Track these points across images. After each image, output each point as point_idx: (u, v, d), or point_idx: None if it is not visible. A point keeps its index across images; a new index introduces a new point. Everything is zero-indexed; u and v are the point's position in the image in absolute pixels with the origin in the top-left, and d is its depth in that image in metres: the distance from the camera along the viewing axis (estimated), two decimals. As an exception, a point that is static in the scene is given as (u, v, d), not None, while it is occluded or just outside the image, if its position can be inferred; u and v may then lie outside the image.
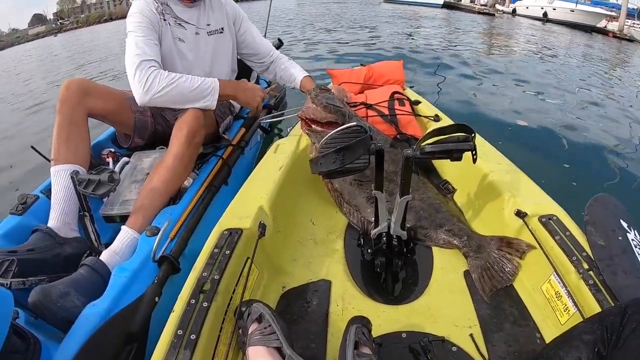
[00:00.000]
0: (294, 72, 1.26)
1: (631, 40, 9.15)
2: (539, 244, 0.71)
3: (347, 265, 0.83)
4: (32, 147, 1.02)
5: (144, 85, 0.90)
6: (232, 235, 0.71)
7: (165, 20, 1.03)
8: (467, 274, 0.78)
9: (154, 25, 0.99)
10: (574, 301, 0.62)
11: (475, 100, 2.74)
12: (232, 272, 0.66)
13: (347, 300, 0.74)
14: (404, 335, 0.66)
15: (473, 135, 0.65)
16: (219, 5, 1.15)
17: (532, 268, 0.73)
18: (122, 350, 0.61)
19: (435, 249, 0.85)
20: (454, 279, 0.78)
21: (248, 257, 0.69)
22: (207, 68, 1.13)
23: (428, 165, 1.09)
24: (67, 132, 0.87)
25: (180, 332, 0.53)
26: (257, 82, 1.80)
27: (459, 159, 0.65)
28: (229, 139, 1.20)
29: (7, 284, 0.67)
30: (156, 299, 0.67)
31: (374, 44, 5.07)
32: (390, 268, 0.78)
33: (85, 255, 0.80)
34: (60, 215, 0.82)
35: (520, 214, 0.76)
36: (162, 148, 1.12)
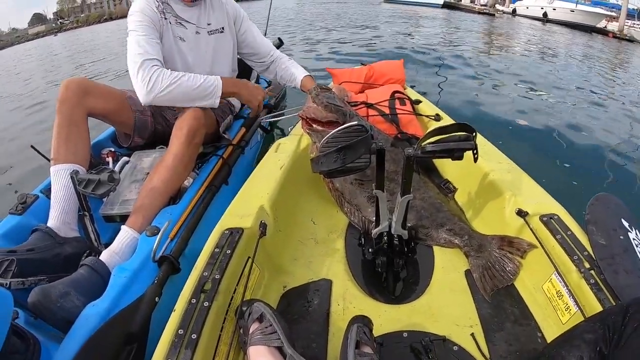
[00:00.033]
0: (295, 72, 1.26)
1: (631, 40, 9.17)
2: (540, 243, 0.70)
3: (348, 264, 0.82)
4: (32, 146, 1.02)
5: (147, 84, 0.90)
6: (233, 235, 0.71)
7: (165, 18, 1.02)
8: (468, 273, 0.78)
9: (155, 24, 0.99)
10: (575, 300, 0.62)
11: (475, 99, 2.75)
12: (233, 271, 0.66)
13: (348, 300, 0.74)
14: (405, 334, 0.66)
15: (474, 134, 0.65)
16: (220, 4, 1.15)
17: (533, 267, 0.73)
18: (122, 350, 0.61)
19: (436, 249, 0.85)
20: (455, 278, 0.78)
21: (249, 257, 0.69)
22: (208, 68, 1.13)
23: (429, 165, 1.09)
24: (67, 132, 0.87)
25: (181, 331, 0.53)
26: (257, 82, 1.80)
27: (460, 158, 0.65)
28: (229, 139, 1.20)
29: (6, 284, 0.66)
30: (156, 299, 0.67)
31: (374, 43, 5.08)
32: (391, 267, 0.78)
33: (85, 255, 0.79)
34: (60, 214, 0.82)
35: (521, 213, 0.76)
36: (162, 147, 1.12)
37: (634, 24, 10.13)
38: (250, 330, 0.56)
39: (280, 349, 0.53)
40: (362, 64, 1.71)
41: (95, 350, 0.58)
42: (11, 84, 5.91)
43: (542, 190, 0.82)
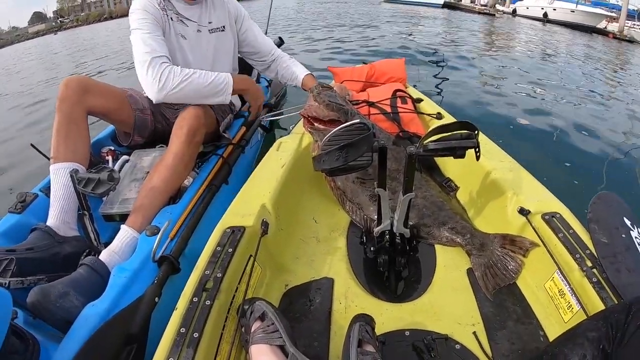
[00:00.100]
0: (296, 70, 1.25)
1: (631, 41, 9.17)
2: (542, 241, 0.70)
3: (350, 263, 0.82)
4: (31, 144, 1.02)
5: (159, 81, 0.90)
6: (235, 233, 0.70)
7: (167, 15, 1.02)
8: (470, 271, 0.78)
9: (158, 21, 0.98)
10: (577, 299, 0.61)
11: (477, 98, 2.75)
12: (235, 270, 0.66)
13: (350, 298, 0.73)
14: (407, 333, 0.66)
15: (476, 132, 0.64)
16: (221, 3, 1.15)
17: (536, 266, 0.73)
18: (122, 351, 0.61)
19: (438, 247, 0.85)
20: (457, 276, 0.78)
21: (251, 255, 0.69)
22: (209, 66, 1.13)
23: (431, 163, 1.09)
24: (67, 130, 0.86)
25: (183, 330, 0.53)
26: (257, 81, 1.80)
27: (462, 156, 0.65)
28: (229, 138, 1.19)
29: (5, 284, 0.66)
30: (156, 299, 0.67)
31: (375, 42, 5.07)
32: (393, 266, 0.78)
33: (85, 254, 0.79)
34: (59, 213, 0.81)
35: (523, 212, 0.76)
36: (162, 146, 1.11)
37: (634, 24, 10.14)
38: (252, 329, 0.55)
39: (282, 348, 0.52)
40: (364, 63, 1.71)
41: (95, 350, 0.57)
42: (11, 83, 5.89)
43: (544, 188, 0.82)
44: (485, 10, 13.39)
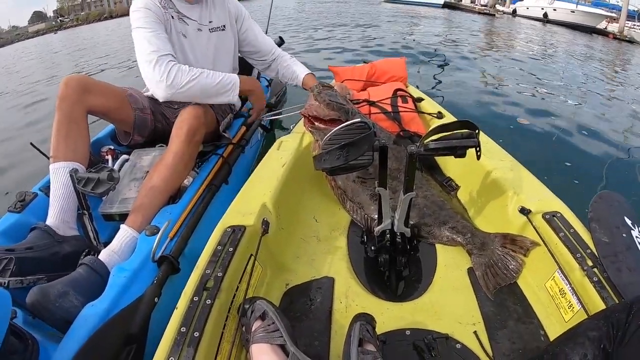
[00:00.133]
0: (296, 70, 1.25)
1: (631, 41, 9.17)
2: (543, 241, 0.70)
3: (351, 262, 0.82)
4: (31, 143, 1.01)
5: (167, 79, 0.90)
6: (235, 233, 0.70)
7: (167, 13, 1.02)
8: (470, 271, 0.78)
9: (160, 19, 0.98)
10: (578, 298, 0.61)
11: (477, 98, 2.75)
12: (235, 269, 0.66)
13: (351, 298, 0.73)
14: (407, 332, 0.66)
15: (477, 131, 0.64)
16: (221, 2, 1.14)
17: (536, 265, 0.73)
18: (122, 351, 0.60)
19: (438, 247, 0.85)
20: (457, 276, 0.78)
21: (251, 255, 0.69)
22: (209, 65, 1.12)
23: (431, 163, 1.08)
24: (66, 130, 0.86)
25: (183, 329, 0.53)
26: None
27: (463, 155, 0.64)
28: (229, 138, 1.19)
29: (5, 283, 0.66)
30: (155, 299, 0.66)
31: (376, 42, 5.07)
32: (394, 265, 0.78)
33: (84, 254, 0.79)
34: (58, 213, 0.81)
35: (524, 211, 0.76)
36: (161, 146, 1.11)
37: (634, 25, 10.14)
38: (253, 328, 0.55)
39: (282, 347, 0.52)
40: (364, 62, 1.71)
41: (94, 350, 0.57)
42: (11, 82, 5.88)
43: (545, 188, 0.82)
44: (485, 11, 13.40)
